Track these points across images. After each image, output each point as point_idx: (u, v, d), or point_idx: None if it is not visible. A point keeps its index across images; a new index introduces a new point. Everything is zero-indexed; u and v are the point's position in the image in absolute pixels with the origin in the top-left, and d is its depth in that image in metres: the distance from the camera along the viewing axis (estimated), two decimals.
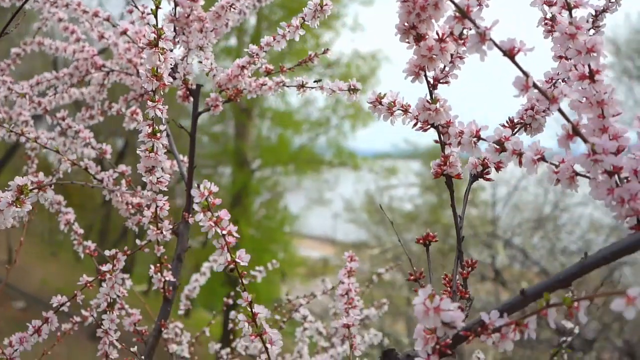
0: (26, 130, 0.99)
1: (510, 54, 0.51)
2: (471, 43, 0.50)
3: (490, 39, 0.50)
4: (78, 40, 1.20)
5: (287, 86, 0.96)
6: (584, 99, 0.54)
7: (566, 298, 0.45)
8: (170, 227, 0.91)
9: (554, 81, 0.71)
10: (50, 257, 10.12)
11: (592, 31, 0.72)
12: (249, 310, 0.65)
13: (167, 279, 0.97)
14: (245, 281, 0.66)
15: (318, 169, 11.87)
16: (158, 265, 0.96)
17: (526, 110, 0.69)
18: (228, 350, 1.44)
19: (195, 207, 0.62)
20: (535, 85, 0.50)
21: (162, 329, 0.99)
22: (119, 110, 1.18)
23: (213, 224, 0.62)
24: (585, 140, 0.51)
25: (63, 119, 1.12)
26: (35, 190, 0.66)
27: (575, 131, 0.51)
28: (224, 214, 0.63)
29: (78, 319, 1.13)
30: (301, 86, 0.95)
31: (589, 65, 0.53)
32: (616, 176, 0.53)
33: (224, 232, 0.62)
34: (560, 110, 0.51)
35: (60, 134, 1.21)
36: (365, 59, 9.95)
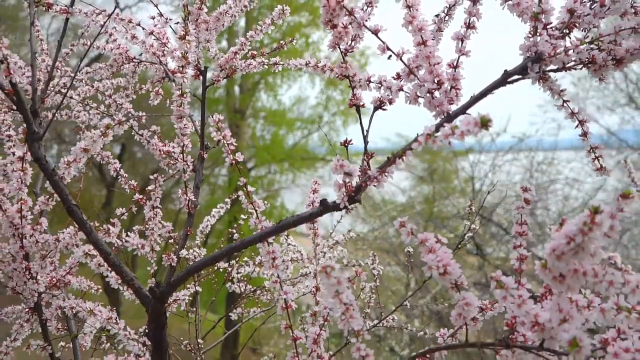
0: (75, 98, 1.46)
1: (375, 32, 0.97)
2: (353, 28, 0.96)
3: (364, 25, 0.96)
4: (115, 40, 1.67)
5: (267, 64, 1.43)
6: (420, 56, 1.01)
7: (415, 150, 0.91)
8: (192, 160, 1.38)
9: None
10: None
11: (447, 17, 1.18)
12: (245, 189, 1.11)
13: (190, 198, 1.43)
14: (242, 171, 1.12)
15: (312, 166, 12.33)
16: (184, 188, 1.43)
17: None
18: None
19: (212, 131, 1.08)
20: (388, 48, 0.97)
21: (188, 234, 1.45)
22: (148, 89, 1.65)
23: (222, 137, 1.08)
24: (416, 76, 0.98)
25: (110, 96, 1.59)
26: (117, 126, 1.12)
27: (410, 72, 0.98)
28: (228, 132, 1.09)
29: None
30: (276, 64, 1.42)
31: (421, 36, 1.00)
32: (437, 94, 0.99)
33: (229, 142, 1.09)
34: (402, 61, 0.98)
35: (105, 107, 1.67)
36: (354, 55, 10.43)
